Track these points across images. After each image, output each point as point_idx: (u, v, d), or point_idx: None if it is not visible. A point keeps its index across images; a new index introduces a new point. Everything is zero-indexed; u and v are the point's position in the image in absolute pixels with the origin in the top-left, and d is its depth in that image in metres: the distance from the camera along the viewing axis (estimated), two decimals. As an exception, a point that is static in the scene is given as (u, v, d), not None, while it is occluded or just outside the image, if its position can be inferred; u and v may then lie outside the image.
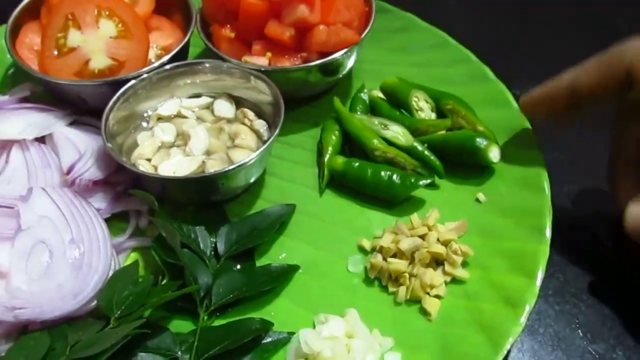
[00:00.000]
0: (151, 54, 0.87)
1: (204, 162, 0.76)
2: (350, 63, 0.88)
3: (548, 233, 0.68)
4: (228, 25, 0.85)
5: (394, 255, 0.69)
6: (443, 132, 0.80)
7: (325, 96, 0.90)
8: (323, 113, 0.88)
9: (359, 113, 0.85)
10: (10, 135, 0.73)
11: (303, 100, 0.89)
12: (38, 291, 0.61)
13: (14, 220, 0.66)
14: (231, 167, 0.71)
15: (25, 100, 0.82)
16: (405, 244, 0.68)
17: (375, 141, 0.79)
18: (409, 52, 0.94)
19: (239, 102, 0.85)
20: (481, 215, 0.74)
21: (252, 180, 0.77)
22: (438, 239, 0.69)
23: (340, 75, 0.88)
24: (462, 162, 0.78)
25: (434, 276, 0.67)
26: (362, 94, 0.87)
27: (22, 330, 0.61)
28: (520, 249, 0.68)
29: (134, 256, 0.72)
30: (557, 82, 0.67)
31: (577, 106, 0.66)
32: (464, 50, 0.92)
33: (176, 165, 0.76)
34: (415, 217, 0.72)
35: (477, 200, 0.76)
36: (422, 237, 0.70)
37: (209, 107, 0.84)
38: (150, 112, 0.83)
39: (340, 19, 0.82)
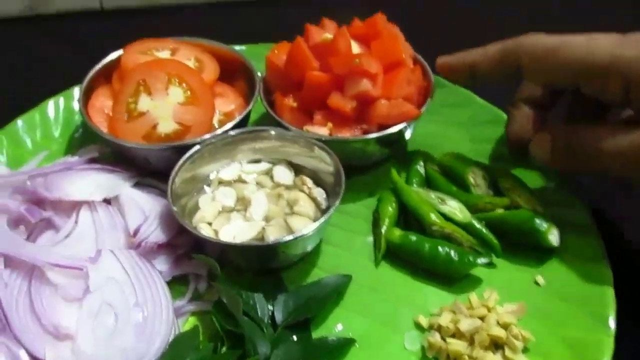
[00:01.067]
0: (214, 119, 0.90)
1: (263, 228, 0.78)
2: (408, 135, 0.89)
3: (612, 324, 0.67)
4: (291, 95, 0.88)
5: (453, 336, 0.69)
6: (501, 210, 0.80)
7: (382, 166, 0.91)
8: (379, 183, 0.89)
9: (415, 185, 0.86)
10: (80, 197, 0.76)
11: (359, 169, 0.90)
12: (102, 356, 0.62)
13: (82, 282, 0.68)
14: (292, 237, 0.72)
15: (93, 161, 0.85)
16: (465, 324, 0.67)
17: (433, 216, 0.79)
18: (466, 127, 0.96)
19: (297, 170, 0.86)
20: (540, 298, 0.73)
21: (309, 249, 0.78)
22: (497, 322, 0.69)
23: (398, 147, 0.90)
24: (520, 242, 0.78)
25: (494, 360, 0.66)
26: (418, 167, 0.88)
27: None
28: (583, 339, 0.67)
29: (192, 320, 0.73)
30: (463, 58, 0.80)
31: (474, 79, 0.80)
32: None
33: (236, 230, 0.77)
34: (474, 297, 0.71)
35: (536, 282, 0.75)
36: (481, 318, 0.69)
37: (268, 173, 0.87)
38: (212, 176, 0.85)
39: (401, 93, 0.84)
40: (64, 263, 0.67)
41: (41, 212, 0.73)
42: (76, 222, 0.75)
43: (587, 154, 0.70)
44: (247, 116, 0.90)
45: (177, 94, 0.87)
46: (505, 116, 0.92)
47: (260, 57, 0.95)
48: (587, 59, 0.67)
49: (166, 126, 0.86)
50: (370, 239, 0.82)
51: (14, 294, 0.64)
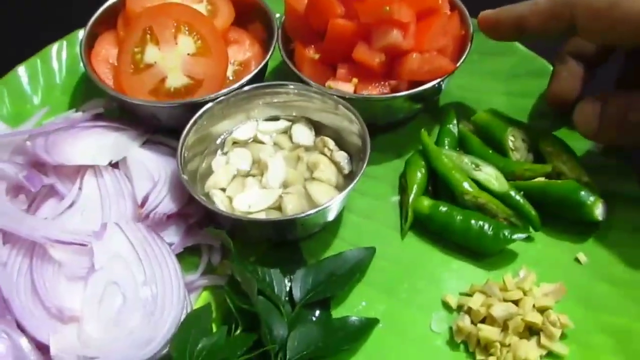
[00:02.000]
0: (228, 70, 0.83)
1: (280, 196, 0.72)
2: (440, 91, 0.81)
3: (664, 312, 0.61)
4: (312, 45, 0.79)
5: (484, 320, 0.64)
6: (542, 179, 0.73)
7: (410, 123, 0.84)
8: (407, 142, 0.82)
9: (446, 148, 0.79)
10: (84, 161, 0.71)
11: (385, 126, 0.83)
12: (110, 339, 0.59)
13: (86, 258, 0.63)
14: (312, 212, 0.66)
15: (98, 117, 0.79)
16: (499, 310, 0.62)
17: (466, 184, 0.73)
18: (505, 79, 0.86)
19: (318, 128, 0.79)
20: (581, 279, 0.67)
21: (330, 219, 0.72)
22: (534, 305, 0.63)
23: (428, 102, 0.82)
24: (561, 215, 0.71)
25: (529, 349, 0.61)
26: (450, 126, 0.81)
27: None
28: (628, 327, 0.62)
29: (205, 295, 0.69)
30: (508, 12, 0.72)
31: (522, 34, 0.72)
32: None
33: (252, 199, 0.72)
34: (509, 278, 0.66)
35: (577, 260, 0.69)
36: (516, 302, 0.64)
37: (287, 131, 0.80)
38: (225, 136, 0.79)
39: (436, 46, 0.75)
40: (67, 239, 0.63)
41: (42, 179, 0.68)
42: (80, 188, 0.70)
43: None
44: (264, 68, 0.82)
45: (187, 43, 0.79)
46: (551, 68, 0.83)
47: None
48: None
49: (175, 80, 0.79)
50: (397, 206, 0.76)
51: (14, 275, 0.61)
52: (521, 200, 0.72)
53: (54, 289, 0.61)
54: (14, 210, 0.65)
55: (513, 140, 0.76)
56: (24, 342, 0.56)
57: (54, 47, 0.92)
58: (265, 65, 0.81)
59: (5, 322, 0.57)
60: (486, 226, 0.70)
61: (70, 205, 0.68)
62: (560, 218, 0.71)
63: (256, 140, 0.79)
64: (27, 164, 0.72)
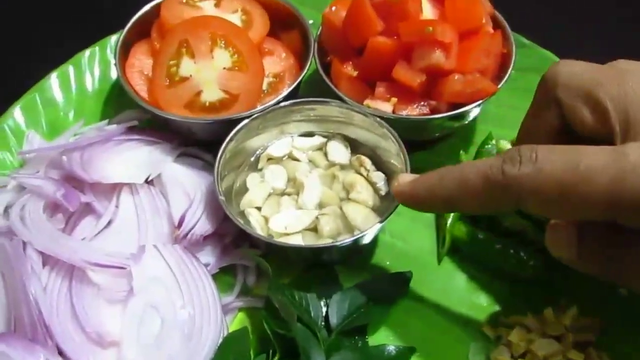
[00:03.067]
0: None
1: (317, 217, 0.71)
2: (479, 111, 0.79)
3: None
4: (350, 62, 0.78)
5: (524, 354, 0.63)
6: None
7: (446, 141, 0.82)
8: (443, 161, 0.79)
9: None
10: (121, 179, 0.70)
11: (420, 143, 0.81)
12: (149, 364, 0.59)
13: (125, 281, 0.63)
14: (350, 239, 0.66)
15: (132, 130, 0.78)
16: (541, 347, 0.61)
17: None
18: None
19: (354, 145, 0.78)
20: (623, 312, 0.66)
21: (367, 243, 0.72)
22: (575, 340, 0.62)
23: (467, 123, 0.80)
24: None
25: (571, 388, 0.60)
26: (488, 147, 0.79)
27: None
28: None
29: (240, 317, 0.68)
30: (431, 187, 0.57)
31: (453, 211, 0.60)
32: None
33: (288, 220, 0.71)
34: (549, 313, 0.65)
35: (618, 293, 0.67)
36: (557, 337, 0.63)
37: (322, 148, 0.79)
38: (260, 152, 0.78)
39: (478, 67, 0.74)
40: (106, 262, 0.62)
41: (79, 198, 0.68)
42: (117, 206, 0.69)
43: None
44: (300, 82, 0.80)
45: (223, 57, 0.78)
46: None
47: (314, 4, 0.84)
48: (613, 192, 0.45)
49: (211, 94, 0.78)
50: (432, 228, 0.75)
51: (54, 299, 0.60)
52: (562, 228, 0.70)
53: (94, 313, 0.61)
54: (53, 231, 0.64)
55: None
56: (65, 368, 0.56)
57: (86, 53, 0.91)
58: (301, 80, 0.80)
59: (46, 348, 0.57)
60: (526, 255, 0.68)
61: (108, 224, 0.68)
62: (602, 247, 0.70)
63: (291, 157, 0.78)
64: (62, 179, 0.72)
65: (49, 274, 0.62)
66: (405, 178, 0.59)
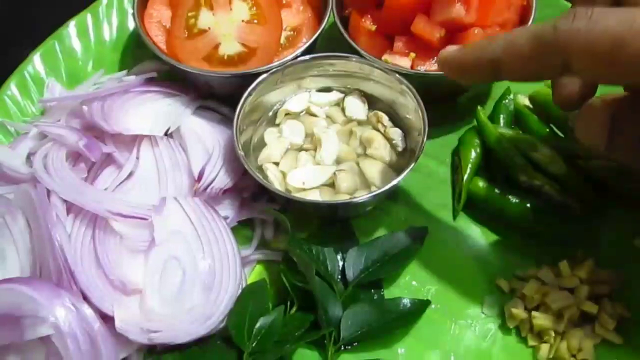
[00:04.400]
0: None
1: (334, 173, 0.72)
2: (500, 67, 0.78)
3: None
4: (369, 15, 0.77)
5: (537, 306, 0.64)
6: (601, 160, 0.71)
7: (464, 96, 0.82)
8: (461, 117, 0.80)
9: (502, 125, 0.77)
10: (142, 131, 0.71)
11: (439, 98, 0.81)
12: (171, 314, 0.61)
13: (146, 232, 0.64)
14: (367, 196, 0.66)
15: (150, 81, 0.78)
16: (555, 299, 0.62)
17: (521, 166, 0.71)
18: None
19: (371, 101, 0.78)
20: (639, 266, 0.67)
21: (383, 199, 0.72)
22: (589, 293, 0.63)
23: (486, 79, 0.79)
24: (621, 199, 0.70)
25: (583, 338, 0.61)
26: (506, 102, 0.79)
27: (150, 347, 0.61)
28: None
29: (258, 269, 0.70)
30: (478, 52, 0.54)
31: (497, 78, 0.55)
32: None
33: (306, 176, 0.71)
34: (565, 266, 0.65)
35: (635, 246, 0.68)
36: (571, 289, 0.64)
37: (340, 104, 0.78)
38: (278, 107, 0.78)
39: (498, 20, 0.73)
40: (128, 212, 0.64)
41: (101, 148, 0.68)
42: (137, 157, 0.70)
43: None
44: (318, 36, 0.79)
45: (241, 9, 0.77)
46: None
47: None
48: None
49: (229, 47, 0.77)
50: (448, 184, 0.76)
51: (78, 247, 0.62)
52: (580, 184, 0.70)
53: (117, 261, 0.62)
54: (76, 180, 0.65)
55: (573, 116, 0.74)
56: (89, 312, 0.58)
57: (104, 1, 0.90)
58: (319, 34, 0.79)
59: (72, 293, 0.58)
60: (542, 210, 0.69)
61: (129, 176, 0.69)
62: (620, 201, 0.70)
63: (309, 112, 0.78)
64: (84, 129, 0.72)
65: (73, 222, 0.63)
66: (452, 47, 0.57)
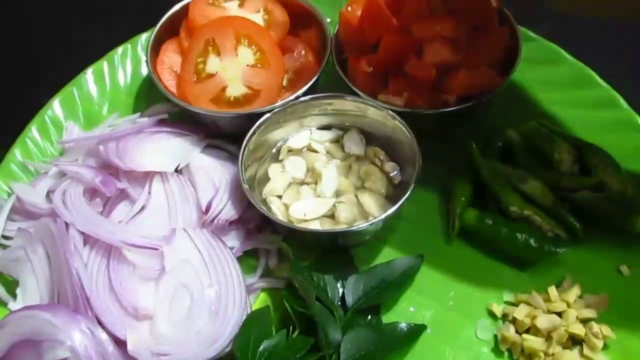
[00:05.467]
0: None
1: (334, 205, 0.76)
2: (489, 104, 0.83)
3: None
4: (365, 59, 0.82)
5: (528, 329, 0.67)
6: (586, 191, 0.75)
7: (457, 131, 0.86)
8: (454, 151, 0.84)
9: (492, 158, 0.81)
10: (154, 167, 0.76)
11: (432, 134, 0.85)
12: (180, 337, 0.64)
13: (157, 261, 0.69)
14: (365, 224, 0.70)
15: (162, 122, 0.84)
16: (544, 322, 0.65)
17: (512, 197, 0.75)
18: (551, 88, 0.88)
19: (368, 138, 0.83)
20: (624, 291, 0.70)
21: (380, 228, 0.76)
22: (577, 316, 0.66)
23: (476, 114, 0.84)
24: (605, 228, 0.73)
25: (572, 359, 0.64)
26: (497, 136, 0.83)
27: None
28: (669, 341, 0.64)
29: (262, 297, 0.73)
30: None
31: None
32: (613, 92, 0.85)
33: (307, 208, 0.76)
34: (553, 291, 0.69)
35: (620, 272, 0.71)
36: (560, 313, 0.67)
37: (339, 140, 0.83)
38: (281, 144, 0.83)
39: (485, 61, 0.78)
40: (141, 243, 0.68)
41: (116, 184, 0.73)
42: (149, 192, 0.75)
43: None
44: (318, 78, 0.85)
45: (246, 54, 0.83)
46: (598, 79, 0.85)
47: (331, 3, 0.88)
48: None
49: (235, 89, 0.83)
50: (443, 213, 0.80)
51: (93, 275, 0.66)
52: (566, 214, 0.74)
53: (129, 288, 0.66)
54: (93, 214, 0.70)
55: (559, 152, 0.78)
56: (104, 336, 0.62)
57: (119, 50, 0.97)
58: (319, 76, 0.84)
59: (87, 318, 0.62)
60: (531, 240, 0.73)
61: (141, 209, 0.73)
62: (605, 230, 0.73)
63: (310, 149, 0.83)
64: (99, 167, 0.78)
65: (89, 252, 0.68)
66: None
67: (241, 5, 0.90)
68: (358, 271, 0.74)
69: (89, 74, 0.94)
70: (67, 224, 0.69)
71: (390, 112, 0.78)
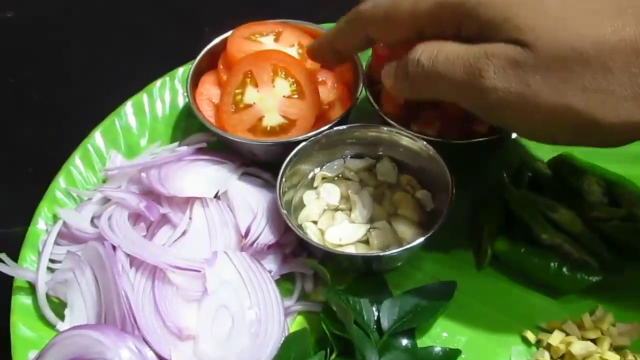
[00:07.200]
0: (316, 110, 0.90)
1: (369, 231, 0.78)
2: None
3: None
4: (397, 90, 0.85)
5: (563, 356, 0.68)
6: (616, 221, 0.77)
7: (488, 160, 0.89)
8: (484, 180, 0.86)
9: (522, 187, 0.83)
10: (194, 193, 0.79)
11: (463, 163, 0.88)
12: (221, 358, 0.66)
13: (199, 282, 0.71)
14: (399, 250, 0.72)
15: (201, 151, 0.87)
16: (578, 348, 0.66)
17: (543, 226, 0.77)
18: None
19: (401, 166, 0.85)
20: (658, 319, 0.71)
21: (413, 254, 0.78)
22: (611, 344, 0.67)
23: (506, 145, 0.87)
24: (635, 256, 0.75)
25: (606, 386, 0.65)
26: (526, 166, 0.85)
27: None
28: (703, 369, 0.65)
29: (299, 320, 0.75)
30: (325, 38, 0.81)
31: (339, 57, 0.82)
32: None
33: (342, 233, 0.78)
34: (587, 318, 0.70)
35: (653, 300, 0.72)
36: (594, 340, 0.68)
37: (372, 169, 0.86)
38: (316, 171, 0.86)
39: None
40: (184, 265, 0.70)
41: (159, 209, 0.76)
42: (190, 217, 0.78)
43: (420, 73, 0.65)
44: (351, 109, 0.88)
45: (283, 86, 0.87)
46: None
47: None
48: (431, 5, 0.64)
49: (272, 119, 0.86)
50: (471, 242, 0.81)
51: (139, 296, 0.69)
52: (596, 243, 0.76)
53: (173, 309, 0.69)
54: (138, 237, 0.73)
55: (589, 183, 0.80)
56: (151, 354, 0.64)
57: (157, 83, 1.01)
58: (352, 107, 0.88)
59: (135, 337, 0.65)
60: (564, 267, 0.74)
61: (183, 233, 0.76)
62: (635, 259, 0.75)
63: (343, 176, 0.85)
64: (141, 193, 0.81)
65: (135, 274, 0.71)
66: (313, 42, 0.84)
67: (276, 40, 0.94)
68: (392, 295, 0.75)
69: (128, 106, 0.98)
70: (114, 247, 0.72)
71: (423, 141, 0.80)
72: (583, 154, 0.85)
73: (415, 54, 0.65)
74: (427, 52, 0.63)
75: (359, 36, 0.73)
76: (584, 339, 0.68)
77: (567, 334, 0.69)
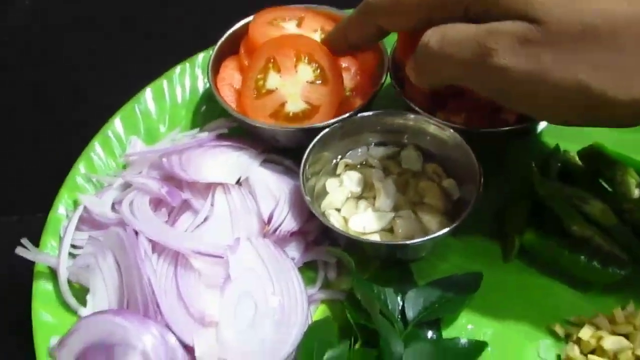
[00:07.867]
0: (339, 96, 0.88)
1: (393, 219, 0.77)
2: (547, 123, 0.84)
3: None
4: (423, 77, 0.83)
5: (593, 351, 0.66)
6: (649, 213, 0.75)
7: (514, 149, 0.87)
8: (512, 170, 0.84)
9: (552, 178, 0.81)
10: (216, 179, 0.77)
11: (490, 152, 0.86)
12: (244, 345, 0.65)
13: (222, 269, 0.70)
14: (424, 239, 0.71)
15: (222, 137, 0.86)
16: (610, 343, 0.64)
17: (573, 218, 0.75)
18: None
19: (426, 154, 0.84)
20: (692, 314, 0.69)
21: (437, 244, 0.77)
22: (643, 339, 0.65)
23: (535, 135, 0.85)
24: (668, 250, 0.73)
25: (638, 381, 0.63)
26: (557, 156, 0.83)
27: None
28: None
29: (322, 308, 0.74)
30: (338, 30, 0.83)
31: (353, 48, 0.83)
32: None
33: (366, 221, 0.77)
34: (618, 313, 0.68)
35: (686, 295, 0.70)
36: (625, 335, 0.66)
37: (396, 157, 0.84)
38: (339, 158, 0.84)
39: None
40: (206, 251, 0.69)
41: (180, 195, 0.75)
42: (212, 204, 0.77)
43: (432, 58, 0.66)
44: (375, 95, 0.87)
45: (306, 72, 0.85)
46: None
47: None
48: None
49: (294, 105, 0.85)
50: (498, 233, 0.79)
51: (162, 281, 0.68)
52: (629, 236, 0.74)
53: (196, 295, 0.68)
54: (160, 223, 0.72)
55: (622, 174, 0.78)
56: (174, 340, 0.63)
57: (177, 69, 1.00)
58: (377, 93, 0.86)
59: (158, 323, 0.64)
60: (595, 260, 0.72)
61: (205, 220, 0.75)
62: (669, 253, 0.73)
63: (367, 164, 0.84)
64: (162, 179, 0.80)
65: (157, 259, 0.70)
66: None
67: (299, 25, 0.93)
68: (416, 285, 0.74)
69: (148, 91, 0.97)
70: (135, 232, 0.71)
71: (450, 129, 0.78)
72: (614, 145, 0.83)
73: (425, 39, 0.64)
74: (436, 36, 0.63)
75: (370, 26, 0.75)
76: (614, 333, 0.66)
77: (598, 328, 0.67)
